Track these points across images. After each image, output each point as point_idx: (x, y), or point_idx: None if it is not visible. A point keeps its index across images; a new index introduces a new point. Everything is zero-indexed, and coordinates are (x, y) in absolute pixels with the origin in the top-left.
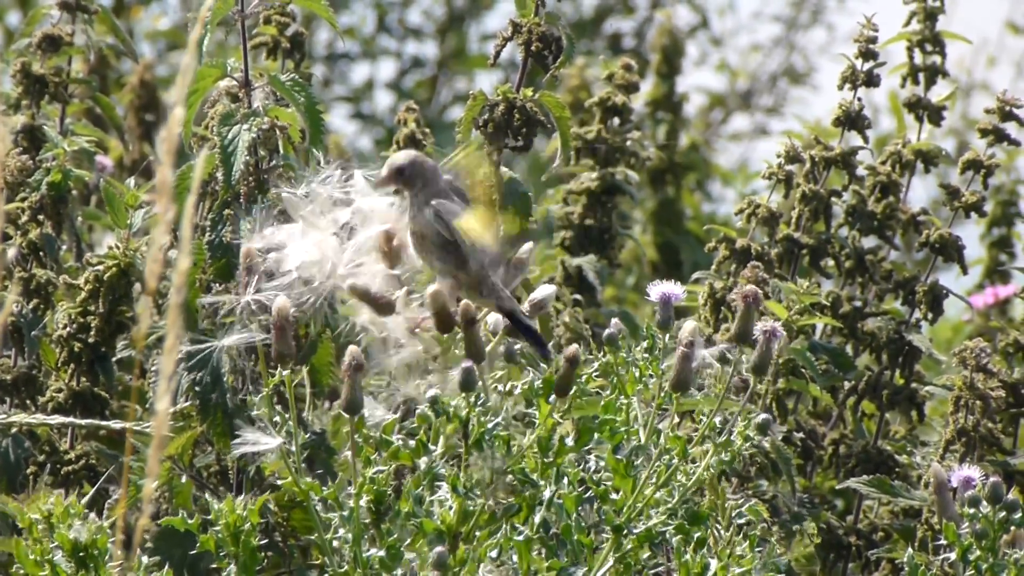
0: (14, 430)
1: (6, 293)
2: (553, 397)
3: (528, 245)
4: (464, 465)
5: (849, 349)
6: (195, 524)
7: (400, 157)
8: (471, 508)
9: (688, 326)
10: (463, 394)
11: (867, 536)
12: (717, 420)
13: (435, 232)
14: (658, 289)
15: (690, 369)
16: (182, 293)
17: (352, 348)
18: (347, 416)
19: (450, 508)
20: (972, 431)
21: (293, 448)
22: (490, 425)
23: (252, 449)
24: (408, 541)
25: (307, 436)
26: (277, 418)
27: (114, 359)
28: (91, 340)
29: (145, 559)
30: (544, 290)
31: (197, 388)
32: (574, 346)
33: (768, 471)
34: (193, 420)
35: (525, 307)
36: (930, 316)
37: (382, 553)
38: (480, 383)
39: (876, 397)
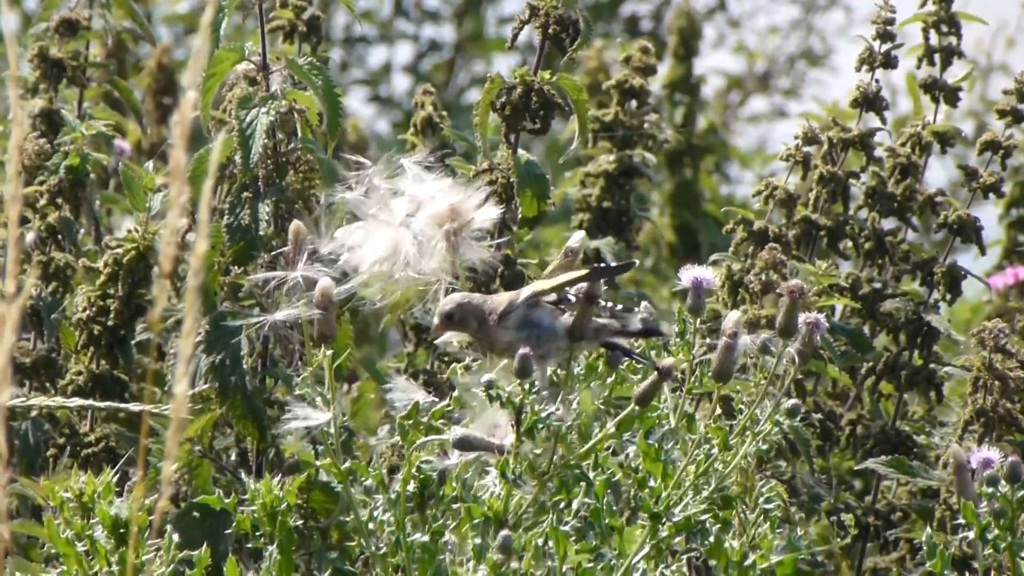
0: (34, 413)
1: (25, 277)
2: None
3: (580, 234)
4: (514, 451)
5: (867, 330)
6: (231, 503)
7: (446, 304)
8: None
9: (732, 316)
10: (519, 380)
11: (885, 516)
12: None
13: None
14: (689, 273)
15: (732, 360)
16: (200, 276)
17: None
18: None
19: (498, 495)
20: (991, 411)
21: (331, 430)
22: (544, 414)
23: (303, 424)
24: (452, 526)
25: (344, 418)
26: (319, 399)
27: (133, 342)
28: (110, 323)
29: (175, 537)
30: (575, 237)
31: (217, 370)
32: (671, 359)
33: (786, 452)
34: (213, 402)
35: (559, 259)
36: (948, 297)
37: (426, 538)
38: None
39: (894, 378)
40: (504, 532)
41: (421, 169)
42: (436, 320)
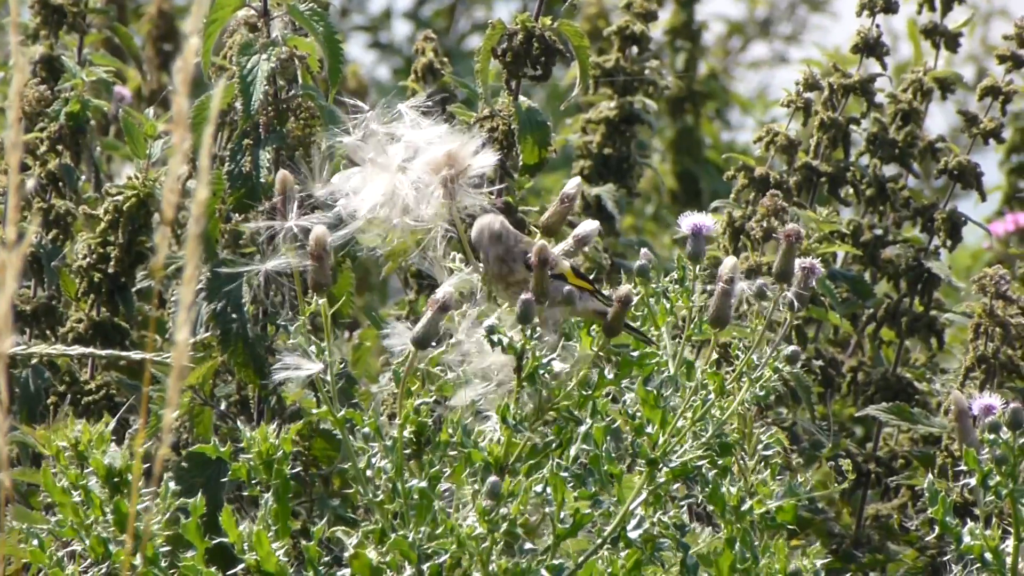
0: (34, 361)
1: (26, 224)
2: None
3: (576, 180)
4: (515, 397)
5: (868, 277)
6: (227, 452)
7: (495, 221)
8: (516, 441)
9: (728, 262)
10: (520, 327)
11: (887, 463)
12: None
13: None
14: (689, 220)
15: (729, 305)
16: (201, 223)
17: (445, 288)
18: (414, 349)
19: (498, 440)
20: (992, 358)
21: (327, 377)
22: (545, 360)
23: (295, 374)
24: (449, 472)
25: (341, 365)
26: (313, 347)
27: (134, 289)
28: (111, 270)
29: (173, 485)
30: (587, 225)
31: (218, 318)
32: (627, 287)
33: (788, 399)
34: (214, 350)
35: (569, 242)
36: (949, 243)
37: (424, 484)
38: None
39: (895, 325)
40: (492, 478)
41: (419, 115)
42: (485, 231)
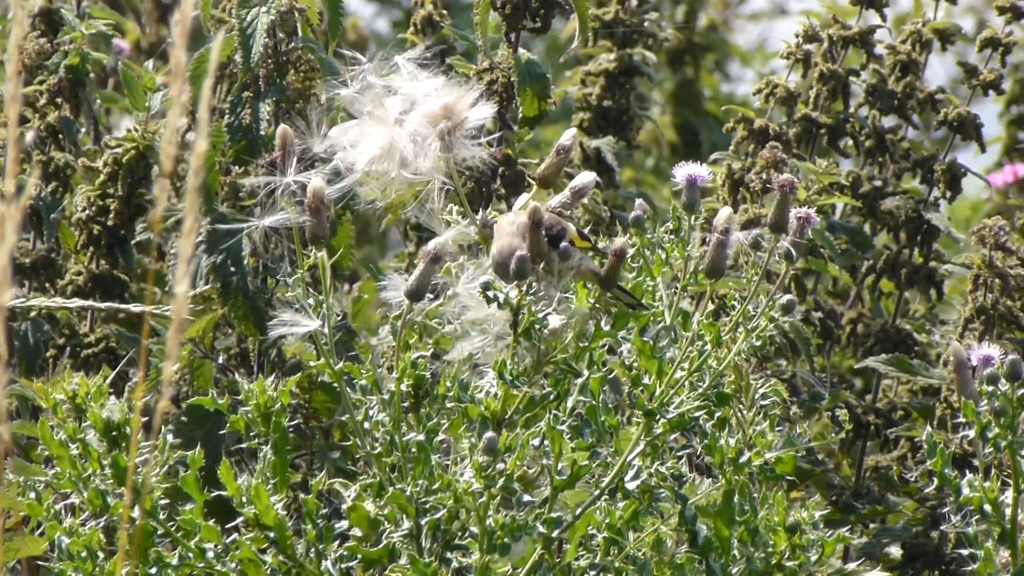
0: (33, 313)
1: (25, 177)
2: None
3: (571, 132)
4: (512, 352)
5: (868, 228)
6: (225, 404)
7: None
8: (515, 394)
9: (723, 212)
10: (516, 282)
11: (886, 415)
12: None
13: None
14: (684, 171)
15: (724, 256)
16: (200, 176)
17: (437, 239)
18: (408, 301)
19: (495, 395)
20: (991, 309)
21: (326, 330)
22: (541, 314)
23: (290, 331)
24: (447, 426)
25: (338, 319)
26: (310, 301)
27: (133, 242)
28: (110, 223)
29: (170, 439)
30: (584, 177)
31: (218, 271)
32: (622, 240)
33: (787, 351)
34: (214, 303)
35: (566, 194)
36: (948, 195)
37: (421, 437)
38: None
39: (895, 276)
40: (489, 434)
41: (416, 67)
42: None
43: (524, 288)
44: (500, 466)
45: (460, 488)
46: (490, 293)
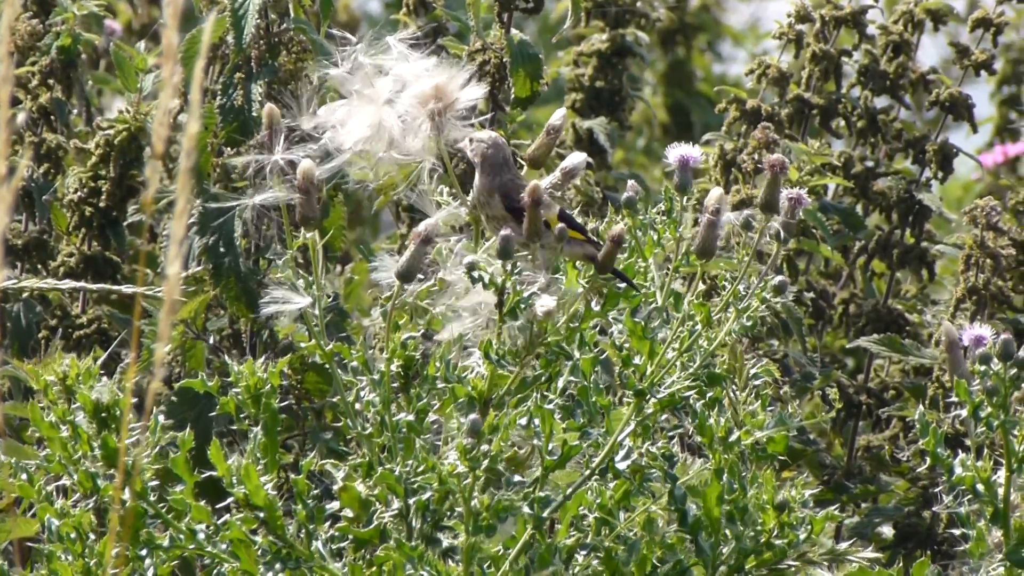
0: (25, 295)
1: (17, 158)
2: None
3: (561, 112)
4: (497, 332)
5: (860, 209)
6: (215, 386)
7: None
8: (504, 375)
9: (714, 193)
10: (501, 261)
11: (878, 395)
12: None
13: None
14: (676, 152)
15: (715, 236)
16: (192, 157)
17: (428, 221)
18: (399, 283)
19: (482, 375)
20: (983, 289)
21: (316, 311)
22: (527, 294)
23: (282, 308)
24: (437, 406)
25: (329, 300)
26: (301, 281)
27: (125, 223)
28: (102, 204)
29: (162, 420)
30: (575, 157)
31: (210, 252)
32: (620, 226)
33: (779, 331)
34: (206, 284)
35: (557, 175)
36: (940, 175)
37: (411, 417)
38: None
39: (886, 256)
40: (472, 416)
41: (407, 47)
42: (478, 147)
43: (509, 268)
44: (485, 447)
45: (445, 470)
46: (475, 273)
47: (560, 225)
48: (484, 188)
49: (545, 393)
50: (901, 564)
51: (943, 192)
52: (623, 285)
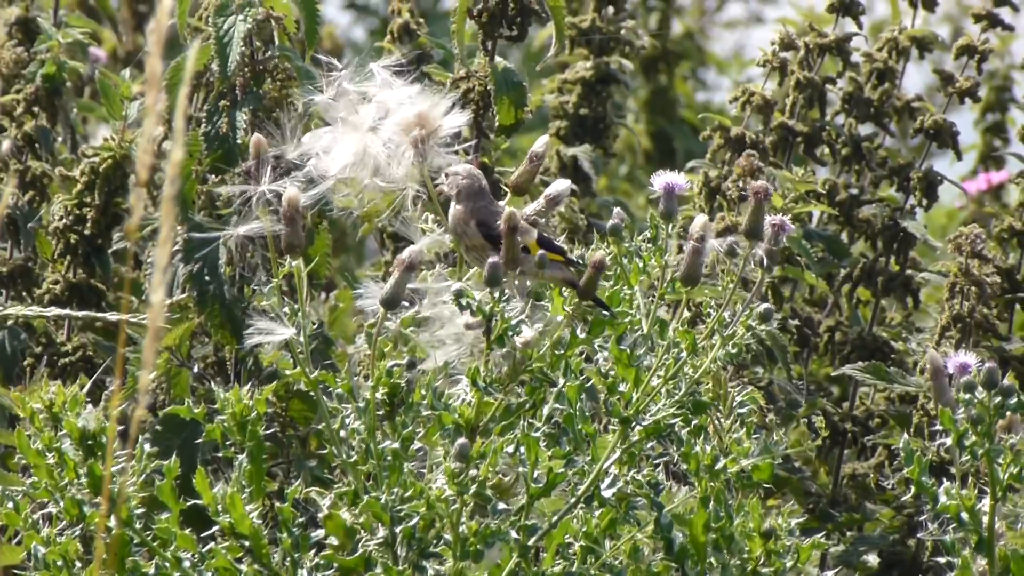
0: (10, 322)
1: (2, 186)
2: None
3: (544, 139)
4: (484, 360)
5: (844, 236)
6: (201, 413)
7: (465, 173)
8: (490, 402)
9: (699, 220)
10: (488, 289)
11: (863, 423)
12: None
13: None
14: (661, 179)
15: (700, 264)
16: (176, 185)
17: (412, 248)
18: (384, 309)
19: (469, 402)
20: (967, 317)
21: (301, 339)
22: (514, 321)
23: (266, 339)
24: (422, 433)
25: (314, 327)
26: (285, 310)
27: (110, 251)
28: (87, 232)
29: (147, 448)
30: (558, 184)
31: (194, 279)
32: (601, 252)
33: (764, 359)
34: (190, 311)
35: (540, 202)
36: (925, 202)
37: (396, 445)
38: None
39: (871, 284)
40: (461, 440)
41: (391, 74)
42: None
43: (496, 295)
44: (472, 472)
45: (433, 495)
46: (463, 301)
47: (541, 251)
48: (460, 217)
49: (531, 421)
50: None
51: (928, 220)
52: (607, 313)
